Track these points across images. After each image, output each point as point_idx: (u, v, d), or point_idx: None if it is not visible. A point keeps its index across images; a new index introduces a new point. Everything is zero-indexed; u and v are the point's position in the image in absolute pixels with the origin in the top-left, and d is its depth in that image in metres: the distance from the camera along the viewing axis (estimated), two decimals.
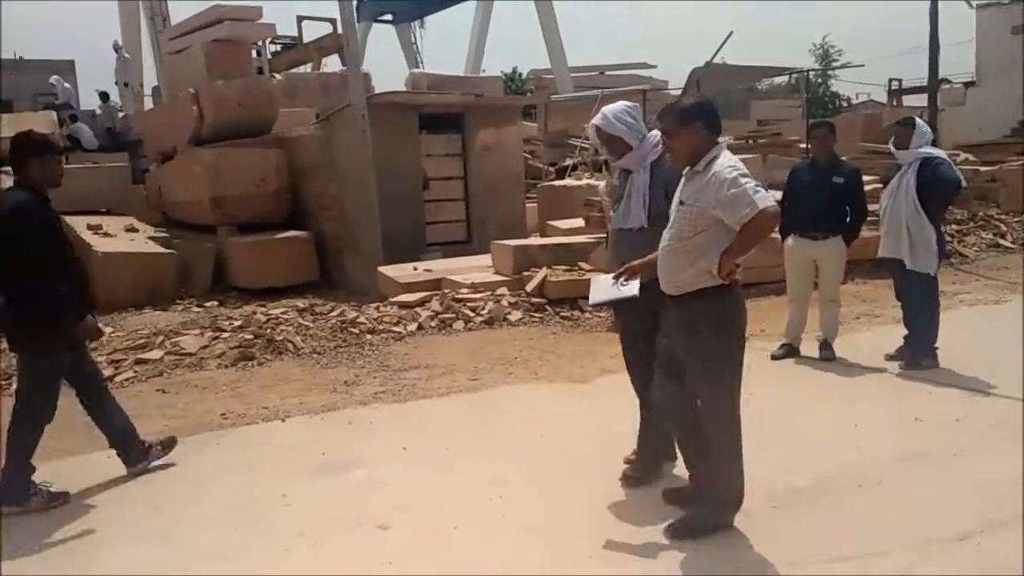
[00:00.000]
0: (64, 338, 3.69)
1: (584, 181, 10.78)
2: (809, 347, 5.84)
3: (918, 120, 5.51)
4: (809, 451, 3.95)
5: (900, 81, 26.61)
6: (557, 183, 11.47)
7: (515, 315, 7.13)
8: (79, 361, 3.89)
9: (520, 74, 38.92)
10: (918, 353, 5.40)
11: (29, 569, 3.10)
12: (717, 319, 2.99)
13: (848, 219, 5.62)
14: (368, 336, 6.83)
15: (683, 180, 3.12)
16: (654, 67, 21.95)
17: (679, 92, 13.77)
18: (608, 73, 21.15)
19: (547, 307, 7.27)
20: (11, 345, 3.86)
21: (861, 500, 3.42)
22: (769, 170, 11.49)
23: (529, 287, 7.43)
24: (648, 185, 3.48)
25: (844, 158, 6.04)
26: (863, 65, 28.93)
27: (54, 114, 14.37)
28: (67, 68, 22.10)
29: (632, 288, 3.22)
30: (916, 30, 52.17)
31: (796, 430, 4.26)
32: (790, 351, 5.83)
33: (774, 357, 5.80)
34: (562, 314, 7.19)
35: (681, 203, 3.03)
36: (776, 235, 6.57)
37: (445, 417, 4.75)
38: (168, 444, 4.15)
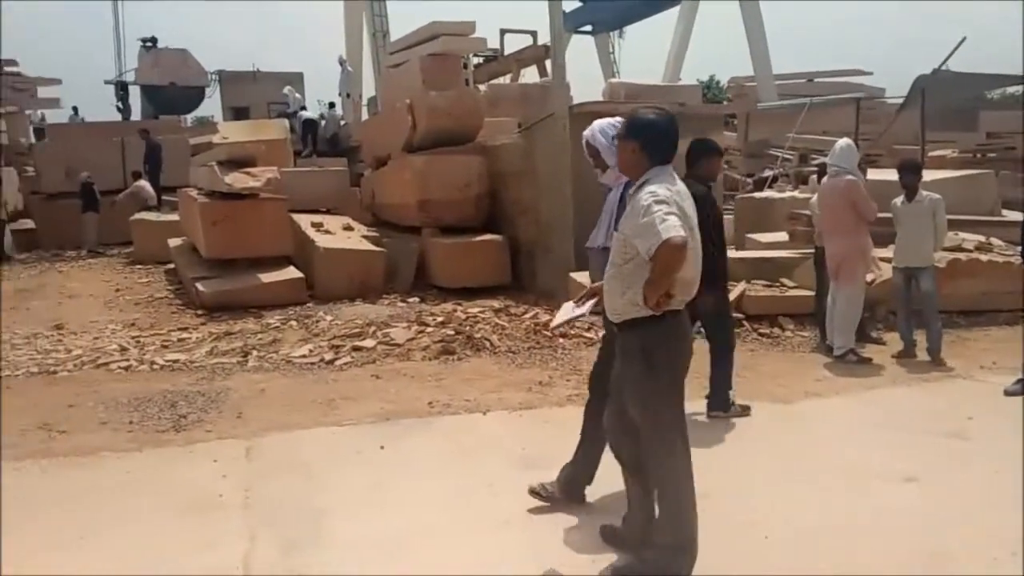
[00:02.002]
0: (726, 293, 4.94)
1: (787, 194, 10.31)
2: None
3: None
4: None
5: None
6: (757, 195, 11.05)
7: None
8: None
9: (718, 82, 37.90)
10: None
11: (267, 534, 3.49)
12: (646, 350, 2.87)
13: None
14: (560, 339, 6.98)
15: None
16: (870, 73, 20.51)
17: (900, 100, 12.80)
18: (817, 80, 20.05)
19: (744, 323, 7.04)
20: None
21: None
22: (1002, 187, 10.36)
23: None
24: (617, 204, 3.42)
25: None
26: None
27: (286, 121, 15.97)
28: (297, 80, 24.47)
29: (584, 308, 3.18)
30: None
31: None
32: None
33: (1008, 393, 5.24)
34: (760, 331, 6.93)
35: (616, 229, 2.97)
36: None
37: None
38: (745, 410, 4.96)
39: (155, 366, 6.43)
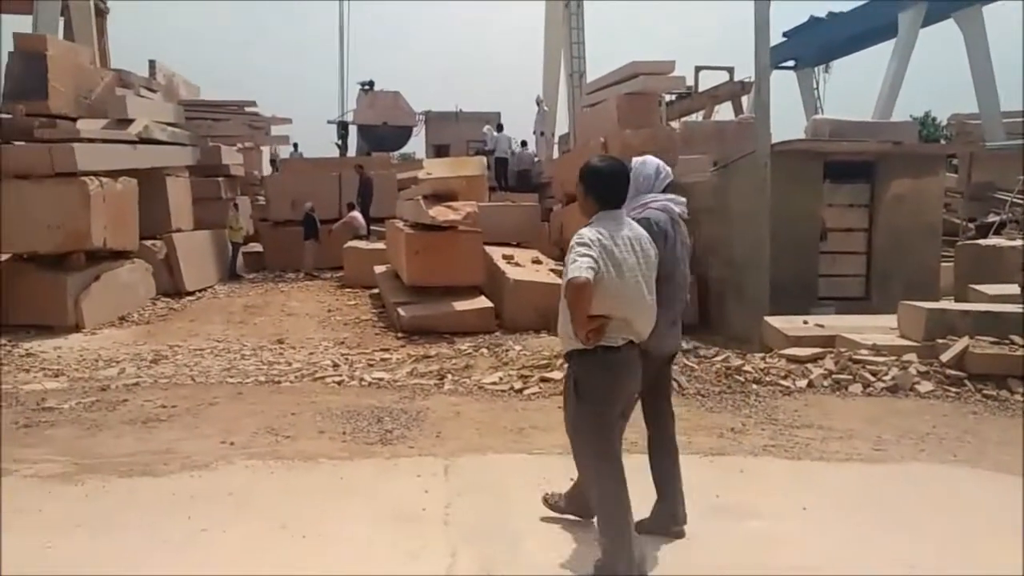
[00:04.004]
0: None
1: (1019, 242, 9.31)
2: None
3: None
4: None
5: None
6: (981, 242, 10.07)
7: (924, 386, 6.41)
8: None
9: (934, 119, 35.10)
10: None
11: (466, 551, 3.65)
12: (575, 380, 3.12)
13: None
14: (753, 386, 6.72)
15: None
16: None
17: None
18: None
19: (966, 382, 6.40)
20: None
21: None
22: None
23: (945, 357, 6.61)
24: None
25: None
26: None
27: (484, 159, 16.76)
28: (495, 119, 25.64)
29: None
30: None
31: None
32: None
33: None
34: (985, 392, 6.27)
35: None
36: None
37: (846, 484, 4.46)
38: None
39: (363, 382, 6.97)
